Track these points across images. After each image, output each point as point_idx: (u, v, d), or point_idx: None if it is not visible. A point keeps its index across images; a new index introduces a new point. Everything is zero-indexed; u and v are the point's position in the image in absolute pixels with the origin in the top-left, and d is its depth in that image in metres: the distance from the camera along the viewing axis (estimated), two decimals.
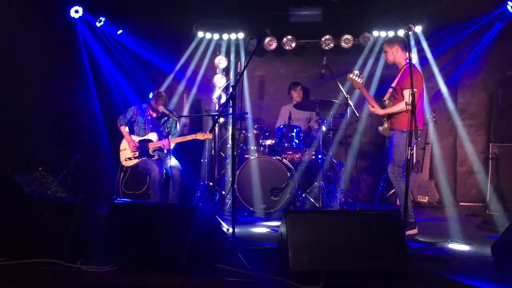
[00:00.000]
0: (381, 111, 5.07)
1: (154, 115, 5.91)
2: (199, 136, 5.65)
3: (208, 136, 5.72)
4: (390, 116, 5.05)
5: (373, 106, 5.12)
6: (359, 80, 5.14)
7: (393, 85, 5.05)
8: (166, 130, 5.94)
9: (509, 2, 6.18)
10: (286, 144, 6.31)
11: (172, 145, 5.74)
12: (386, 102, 5.08)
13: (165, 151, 5.77)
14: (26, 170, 5.63)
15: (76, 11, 6.14)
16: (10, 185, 5.16)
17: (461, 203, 7.01)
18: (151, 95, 5.84)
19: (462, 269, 3.75)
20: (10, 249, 3.69)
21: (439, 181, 6.90)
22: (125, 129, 5.91)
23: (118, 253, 3.61)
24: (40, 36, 5.90)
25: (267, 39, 7.27)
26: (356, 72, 5.18)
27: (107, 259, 3.53)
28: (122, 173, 5.96)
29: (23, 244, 3.71)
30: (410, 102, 4.02)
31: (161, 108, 5.74)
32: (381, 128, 5.14)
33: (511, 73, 6.48)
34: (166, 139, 5.70)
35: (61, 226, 3.71)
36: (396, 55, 5.06)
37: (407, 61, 4.69)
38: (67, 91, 6.38)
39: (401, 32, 6.83)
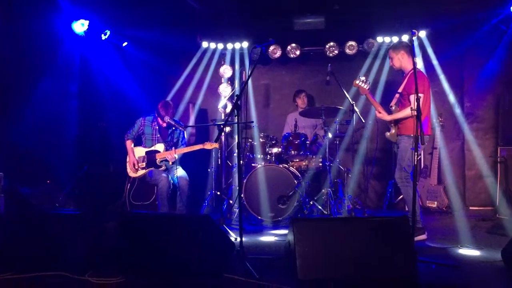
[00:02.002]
0: (387, 117, 5.05)
1: (164, 125, 5.90)
2: (207, 145, 5.66)
3: (215, 145, 5.73)
4: (397, 122, 5.03)
5: (379, 112, 5.10)
6: (365, 86, 5.14)
7: (400, 90, 5.03)
8: (174, 141, 5.96)
9: None
10: (292, 151, 6.30)
11: (177, 156, 5.74)
12: (393, 108, 5.07)
13: (170, 163, 5.78)
14: (33, 183, 5.65)
15: (82, 24, 6.18)
16: (18, 199, 5.17)
17: (470, 208, 6.96)
18: (159, 105, 5.86)
19: (473, 274, 3.71)
20: (18, 262, 3.69)
21: (448, 185, 6.85)
22: (130, 145, 5.92)
23: (126, 264, 3.61)
24: (40, 47, 5.92)
25: (271, 48, 7.30)
26: (362, 78, 5.18)
27: (115, 270, 3.53)
28: (129, 184, 5.97)
29: (30, 257, 3.71)
30: (415, 107, 3.99)
31: (166, 119, 5.75)
32: (388, 133, 5.13)
33: None
34: (171, 150, 5.72)
35: (68, 238, 3.73)
36: (402, 60, 5.05)
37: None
38: (72, 103, 6.41)
39: (405, 38, 6.85)
